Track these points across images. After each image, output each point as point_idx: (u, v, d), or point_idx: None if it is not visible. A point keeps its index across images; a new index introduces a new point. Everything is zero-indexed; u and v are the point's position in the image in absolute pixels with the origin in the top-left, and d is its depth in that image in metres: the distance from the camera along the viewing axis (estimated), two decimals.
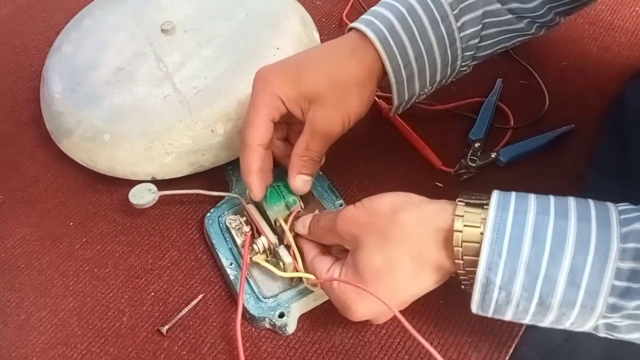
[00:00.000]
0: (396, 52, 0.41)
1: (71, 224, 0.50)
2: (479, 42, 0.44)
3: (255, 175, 0.42)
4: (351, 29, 0.43)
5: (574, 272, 0.31)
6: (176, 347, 0.43)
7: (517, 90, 0.56)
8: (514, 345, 0.41)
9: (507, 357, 0.41)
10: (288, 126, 0.45)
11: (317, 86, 0.41)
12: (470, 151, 0.51)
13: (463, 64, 0.45)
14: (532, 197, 0.34)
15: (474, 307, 0.35)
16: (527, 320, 0.34)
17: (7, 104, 0.59)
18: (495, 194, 0.34)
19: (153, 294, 0.45)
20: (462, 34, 0.43)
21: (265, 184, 0.43)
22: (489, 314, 0.35)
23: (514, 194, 0.34)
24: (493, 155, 0.51)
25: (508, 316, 0.34)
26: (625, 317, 0.31)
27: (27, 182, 0.53)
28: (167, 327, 0.43)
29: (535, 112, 0.54)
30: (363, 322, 0.43)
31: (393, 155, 0.52)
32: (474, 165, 0.50)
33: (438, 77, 0.44)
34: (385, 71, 0.42)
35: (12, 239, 0.49)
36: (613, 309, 0.31)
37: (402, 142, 0.53)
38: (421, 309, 0.43)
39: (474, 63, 0.46)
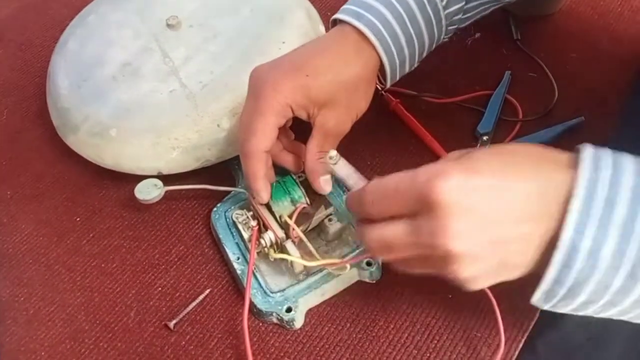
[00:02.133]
0: (390, 42, 0.42)
1: (78, 219, 0.50)
2: (462, 15, 0.46)
3: (262, 181, 0.42)
4: (336, 20, 0.43)
5: None
6: (183, 342, 0.42)
7: (525, 82, 0.55)
8: (523, 340, 0.41)
9: (517, 352, 0.41)
10: None
11: (328, 92, 0.41)
12: (479, 144, 0.50)
13: (445, 36, 0.47)
14: (628, 157, 0.30)
15: (539, 292, 0.31)
16: (600, 303, 0.30)
17: (14, 101, 0.59)
18: (589, 151, 0.30)
19: (160, 289, 0.45)
20: (447, 12, 0.44)
21: (270, 184, 0.43)
22: (554, 299, 0.31)
23: (609, 151, 0.31)
24: None
25: (580, 298, 0.30)
26: None
27: (34, 178, 0.53)
28: (174, 322, 0.43)
29: (544, 105, 0.54)
30: (371, 318, 0.42)
31: (400, 149, 0.52)
32: None
33: (424, 54, 0.46)
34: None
35: (19, 234, 0.49)
36: None
37: (410, 136, 0.52)
38: (430, 304, 0.43)
39: (453, 33, 0.48)
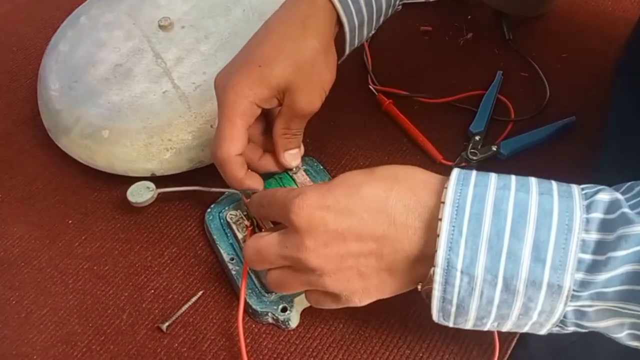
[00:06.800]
0: (349, 0, 0.41)
1: (70, 222, 0.50)
2: None
3: (245, 181, 0.42)
4: None
5: (538, 247, 0.29)
6: (176, 344, 0.42)
7: (517, 82, 0.56)
8: (515, 340, 0.41)
9: (510, 351, 0.41)
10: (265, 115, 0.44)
11: (286, 76, 0.39)
12: (471, 144, 0.51)
13: (399, 3, 0.46)
14: (492, 174, 0.32)
15: (435, 310, 0.32)
16: (491, 317, 0.31)
17: (5, 103, 0.59)
18: (455, 171, 0.32)
19: (153, 291, 0.45)
20: None
21: (256, 176, 0.43)
22: (451, 317, 0.32)
23: (474, 171, 0.32)
24: (494, 148, 0.50)
25: (471, 314, 0.31)
26: (594, 297, 0.29)
27: (25, 180, 0.53)
28: (167, 324, 0.43)
29: (536, 105, 0.54)
30: (364, 318, 0.42)
31: (393, 149, 0.52)
32: (474, 158, 0.50)
33: (381, 21, 0.45)
34: (337, 26, 0.42)
35: (11, 237, 0.49)
36: (582, 285, 0.29)
37: (402, 136, 0.53)
38: (423, 304, 0.42)
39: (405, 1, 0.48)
